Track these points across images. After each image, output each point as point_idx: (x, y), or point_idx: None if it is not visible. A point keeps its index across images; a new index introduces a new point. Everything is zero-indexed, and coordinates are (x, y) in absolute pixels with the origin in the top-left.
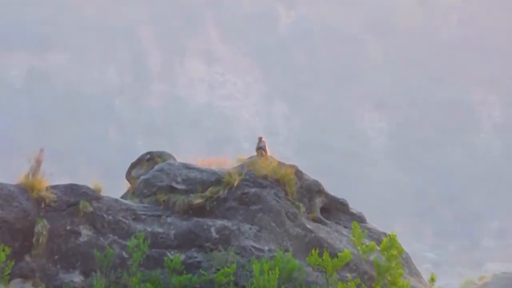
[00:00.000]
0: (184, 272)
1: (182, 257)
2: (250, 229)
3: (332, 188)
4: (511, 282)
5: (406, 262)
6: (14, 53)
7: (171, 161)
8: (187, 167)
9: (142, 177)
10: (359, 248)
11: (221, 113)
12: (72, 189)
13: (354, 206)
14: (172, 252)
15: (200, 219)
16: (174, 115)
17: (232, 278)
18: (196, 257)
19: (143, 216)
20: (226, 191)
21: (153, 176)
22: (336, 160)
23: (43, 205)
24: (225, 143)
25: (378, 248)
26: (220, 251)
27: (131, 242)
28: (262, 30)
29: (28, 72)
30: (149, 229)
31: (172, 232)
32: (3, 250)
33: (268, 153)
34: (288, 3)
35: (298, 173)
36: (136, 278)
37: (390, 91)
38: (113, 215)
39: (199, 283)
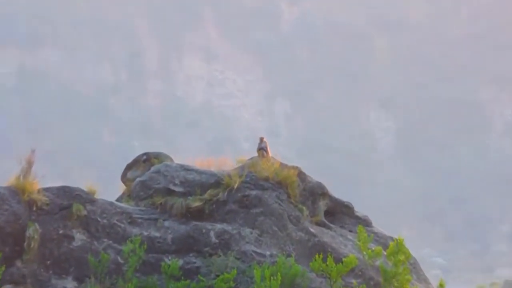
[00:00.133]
0: (182, 278)
1: (180, 262)
2: (251, 233)
3: (337, 191)
4: None
5: (414, 267)
6: (3, 50)
7: (169, 162)
8: (185, 168)
9: (138, 179)
10: (364, 253)
11: (221, 113)
12: (65, 191)
13: (360, 209)
14: (170, 257)
15: (199, 223)
16: (171, 114)
17: (232, 284)
18: (195, 263)
19: (139, 220)
20: (226, 193)
21: (149, 178)
22: (340, 161)
23: (34, 208)
24: (225, 144)
25: (385, 253)
26: (219, 256)
27: (126, 247)
28: (263, 26)
29: (19, 70)
30: (145, 233)
31: (170, 236)
32: None
33: (270, 154)
34: None
35: (301, 175)
36: (132, 285)
37: (397, 89)
38: (108, 218)
39: None
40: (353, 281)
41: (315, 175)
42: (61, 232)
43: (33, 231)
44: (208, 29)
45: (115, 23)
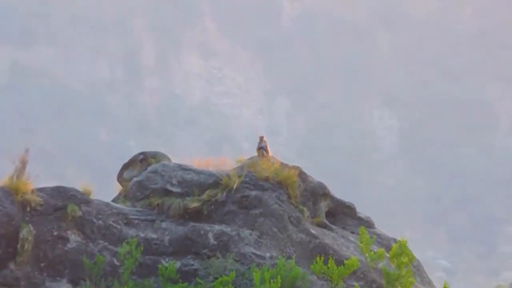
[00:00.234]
0: (180, 280)
1: (178, 264)
2: (251, 234)
3: (338, 191)
4: None
5: (418, 270)
6: None
7: (166, 162)
8: (183, 168)
9: (134, 179)
10: (367, 255)
11: (220, 111)
12: (59, 191)
13: (362, 210)
14: (167, 259)
15: (197, 224)
16: (169, 112)
17: (231, 287)
18: (193, 265)
19: (136, 221)
20: (224, 194)
21: (146, 178)
22: (342, 161)
23: (28, 209)
24: (224, 143)
25: (388, 255)
26: (218, 258)
27: (122, 249)
28: (264, 22)
29: (12, 67)
30: (142, 235)
31: (167, 238)
32: None
33: (270, 154)
34: None
35: (302, 175)
36: (128, 287)
37: (401, 87)
38: (104, 219)
39: None
40: (355, 283)
41: (316, 175)
42: (55, 233)
43: (27, 232)
44: (207, 25)
45: (111, 19)
